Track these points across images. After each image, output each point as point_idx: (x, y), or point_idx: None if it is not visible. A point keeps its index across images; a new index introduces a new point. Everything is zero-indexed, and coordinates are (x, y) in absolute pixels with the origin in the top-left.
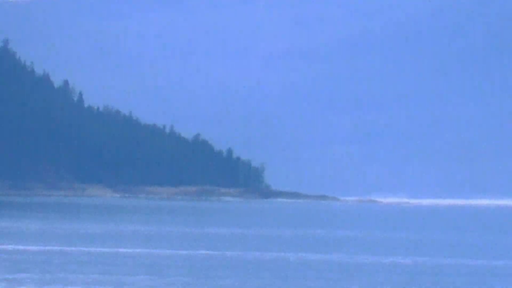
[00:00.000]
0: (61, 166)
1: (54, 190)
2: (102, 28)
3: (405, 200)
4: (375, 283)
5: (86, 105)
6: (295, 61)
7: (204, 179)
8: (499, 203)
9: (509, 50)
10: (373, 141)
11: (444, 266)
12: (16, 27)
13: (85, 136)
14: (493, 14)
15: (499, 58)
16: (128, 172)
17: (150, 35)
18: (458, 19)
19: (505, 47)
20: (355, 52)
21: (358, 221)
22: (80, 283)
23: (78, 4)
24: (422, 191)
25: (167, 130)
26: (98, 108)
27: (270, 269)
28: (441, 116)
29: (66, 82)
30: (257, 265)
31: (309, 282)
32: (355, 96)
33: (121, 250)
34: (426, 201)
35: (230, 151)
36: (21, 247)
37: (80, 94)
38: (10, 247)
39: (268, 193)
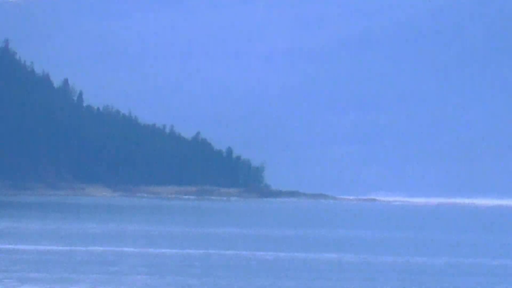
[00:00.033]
0: (61, 166)
1: (54, 190)
2: (102, 28)
3: (405, 199)
4: (375, 283)
5: (85, 105)
6: (295, 61)
7: (204, 179)
8: (499, 203)
9: (509, 50)
10: (373, 141)
11: (444, 266)
12: (16, 27)
13: (85, 136)
14: (493, 14)
15: (499, 58)
16: (128, 172)
17: (150, 35)
18: (458, 19)
19: (505, 47)
20: (355, 52)
21: (358, 221)
22: (80, 282)
23: (78, 4)
24: (422, 191)
25: (167, 130)
26: (98, 108)
27: (270, 269)
28: (441, 116)
29: (66, 82)
30: (257, 265)
31: (309, 282)
32: (355, 96)
33: (121, 249)
34: (426, 201)
35: (230, 151)
36: (21, 247)
37: (80, 93)
38: (10, 247)
39: (268, 193)
